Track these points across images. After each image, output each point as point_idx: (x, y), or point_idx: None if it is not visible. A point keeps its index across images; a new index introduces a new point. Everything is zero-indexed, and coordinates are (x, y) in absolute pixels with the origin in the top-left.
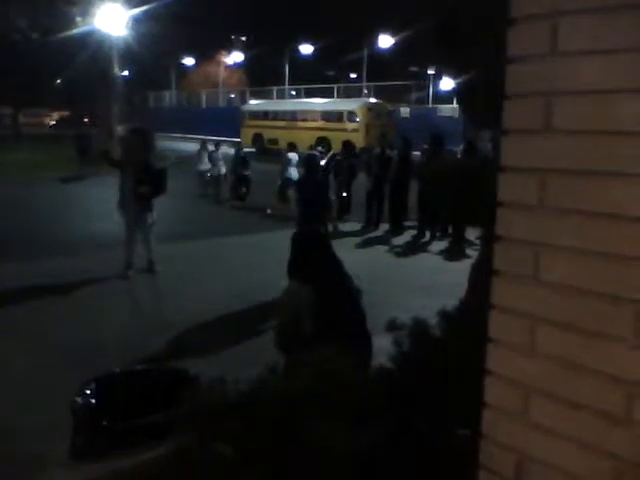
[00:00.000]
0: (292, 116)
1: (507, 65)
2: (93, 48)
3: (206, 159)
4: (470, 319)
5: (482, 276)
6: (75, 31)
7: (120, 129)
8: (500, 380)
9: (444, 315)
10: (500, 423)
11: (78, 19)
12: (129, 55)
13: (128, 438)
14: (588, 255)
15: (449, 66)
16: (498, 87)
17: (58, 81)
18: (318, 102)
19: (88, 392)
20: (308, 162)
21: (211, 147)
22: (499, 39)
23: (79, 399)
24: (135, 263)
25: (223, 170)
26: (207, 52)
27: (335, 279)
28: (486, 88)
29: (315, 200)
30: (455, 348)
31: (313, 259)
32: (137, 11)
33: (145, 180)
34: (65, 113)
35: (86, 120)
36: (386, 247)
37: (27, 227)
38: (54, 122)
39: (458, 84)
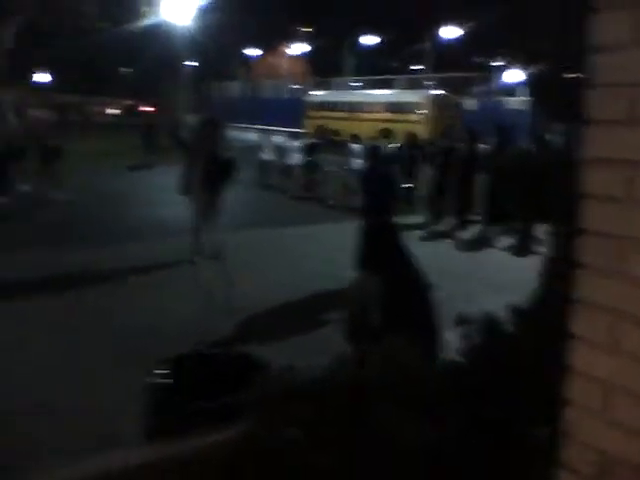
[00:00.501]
0: (355, 107)
1: (591, 55)
2: (160, 38)
3: (269, 149)
4: (544, 314)
5: (556, 271)
6: (142, 21)
7: (190, 118)
8: (583, 377)
9: (516, 310)
10: (582, 421)
11: (145, 9)
12: (195, 45)
13: (200, 420)
14: None
15: (523, 57)
16: (576, 80)
17: (125, 70)
18: (382, 93)
19: (161, 373)
20: (373, 153)
21: (279, 138)
22: (578, 31)
23: (152, 379)
24: (202, 250)
25: (293, 161)
26: (272, 42)
27: (404, 271)
28: (562, 80)
29: (381, 191)
30: (529, 344)
31: (383, 251)
32: (203, 1)
33: (214, 170)
34: (128, 102)
35: (145, 109)
36: (450, 241)
37: (98, 214)
38: (117, 111)
39: (532, 75)
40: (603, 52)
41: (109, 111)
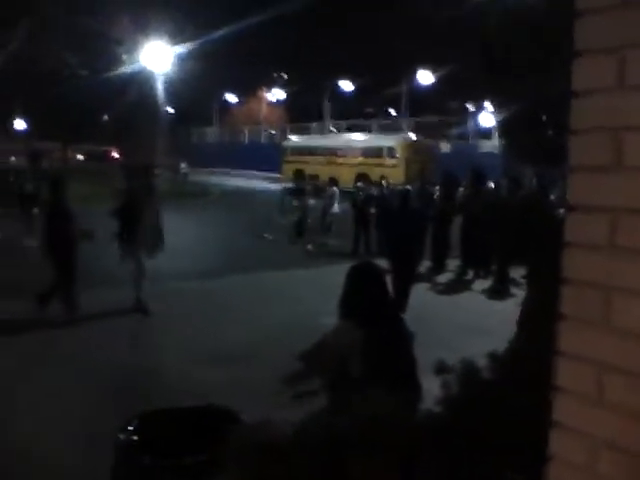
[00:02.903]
0: (332, 152)
1: (572, 99)
2: (139, 85)
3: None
4: (521, 362)
5: (533, 319)
6: (122, 69)
7: (184, 166)
8: (567, 431)
9: (494, 358)
10: (567, 476)
11: (125, 57)
12: (173, 92)
13: (170, 477)
14: None
15: (496, 101)
16: (547, 123)
17: (105, 117)
18: (358, 138)
19: (130, 429)
20: (404, 196)
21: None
22: (549, 76)
23: (122, 436)
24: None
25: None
26: (249, 89)
27: (390, 322)
28: (534, 124)
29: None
30: (508, 393)
31: (370, 298)
32: (181, 49)
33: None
34: (94, 148)
35: (115, 155)
36: (428, 285)
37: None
38: (83, 157)
39: (503, 120)
40: (585, 96)
41: (80, 157)
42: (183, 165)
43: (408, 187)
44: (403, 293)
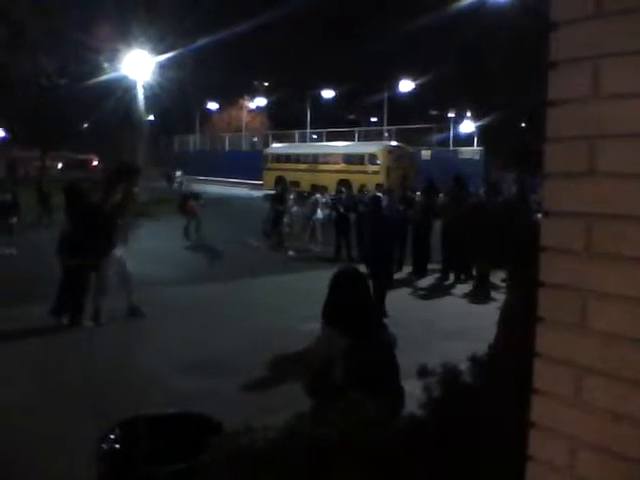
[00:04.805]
0: (314, 159)
1: (548, 108)
2: (120, 93)
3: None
4: (502, 365)
5: (512, 322)
6: (102, 77)
7: (179, 174)
8: (546, 432)
9: (475, 361)
10: (546, 477)
11: (105, 65)
12: (154, 100)
13: None
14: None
15: (473, 109)
16: (525, 130)
17: (85, 125)
18: (339, 145)
19: (112, 437)
20: (375, 201)
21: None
22: (527, 83)
23: (104, 445)
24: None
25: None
26: (230, 97)
27: (373, 327)
28: (512, 131)
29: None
30: (489, 396)
31: (353, 303)
32: (163, 57)
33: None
34: (73, 156)
35: (95, 164)
36: (410, 289)
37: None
38: (61, 166)
39: (483, 127)
40: (560, 105)
41: (60, 165)
42: (178, 174)
43: (379, 193)
44: (380, 298)
